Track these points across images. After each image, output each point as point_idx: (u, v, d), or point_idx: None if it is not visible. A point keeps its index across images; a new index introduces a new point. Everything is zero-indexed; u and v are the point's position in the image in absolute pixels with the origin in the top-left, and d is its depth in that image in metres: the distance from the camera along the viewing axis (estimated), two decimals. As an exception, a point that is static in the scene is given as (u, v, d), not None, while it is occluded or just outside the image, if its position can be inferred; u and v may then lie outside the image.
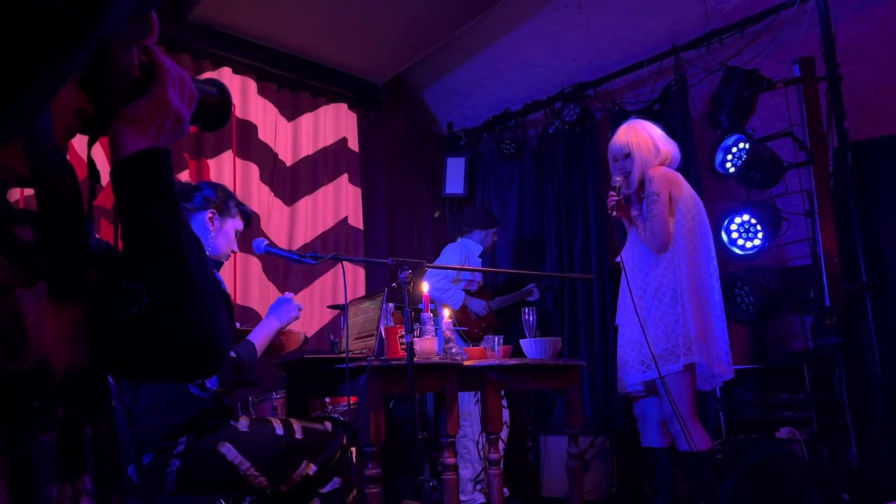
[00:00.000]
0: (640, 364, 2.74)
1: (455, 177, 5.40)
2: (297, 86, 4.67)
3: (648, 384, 2.82)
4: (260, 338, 2.22)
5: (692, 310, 2.67)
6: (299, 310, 2.35)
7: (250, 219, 2.34)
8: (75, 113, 0.77)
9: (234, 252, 2.31)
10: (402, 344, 2.50)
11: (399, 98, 5.35)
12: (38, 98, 0.56)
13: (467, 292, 4.41)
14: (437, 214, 5.45)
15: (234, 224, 2.26)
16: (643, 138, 2.88)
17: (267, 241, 2.46)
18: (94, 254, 0.74)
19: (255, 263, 4.18)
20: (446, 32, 4.50)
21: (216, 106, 0.90)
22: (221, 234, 2.22)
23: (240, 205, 2.29)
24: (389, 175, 5.24)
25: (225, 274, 3.98)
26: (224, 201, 2.23)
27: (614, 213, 2.84)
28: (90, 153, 0.80)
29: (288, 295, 2.36)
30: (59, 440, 0.66)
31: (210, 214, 2.20)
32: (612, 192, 2.85)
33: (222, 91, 0.90)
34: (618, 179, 2.88)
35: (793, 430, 3.45)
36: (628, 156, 2.89)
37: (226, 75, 4.24)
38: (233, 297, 4.03)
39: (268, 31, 4.28)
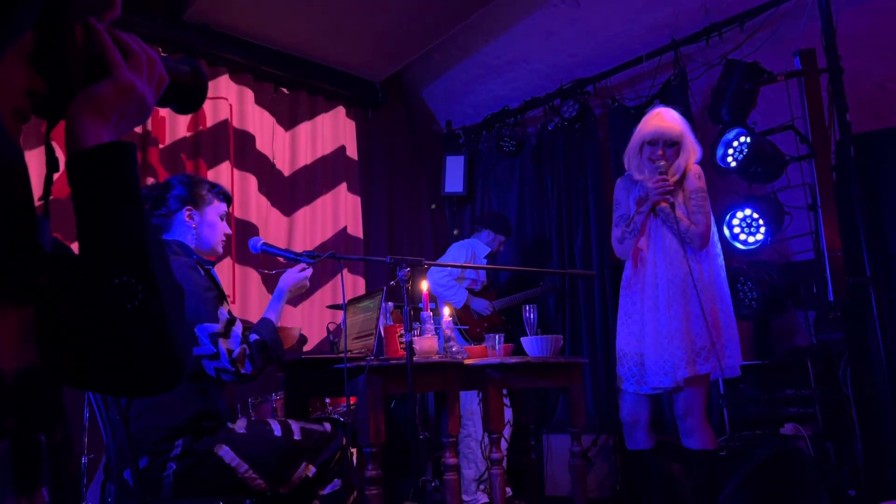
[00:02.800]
0: (663, 368, 2.64)
1: (454, 175, 5.38)
2: (294, 85, 4.64)
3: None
4: (275, 311, 2.22)
5: (724, 309, 2.73)
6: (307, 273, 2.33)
7: (230, 197, 2.30)
8: (26, 94, 0.69)
9: (227, 235, 2.27)
10: (401, 343, 2.47)
11: (397, 96, 5.31)
12: None
13: (470, 292, 4.38)
14: (433, 206, 5.42)
15: (216, 209, 2.21)
16: (689, 133, 2.76)
17: (263, 241, 2.42)
18: (45, 253, 0.67)
19: (253, 269, 4.15)
20: (444, 30, 4.48)
21: (190, 86, 0.83)
22: (204, 225, 2.18)
23: (213, 187, 2.24)
24: (388, 174, 5.21)
25: (224, 276, 3.96)
26: (197, 192, 2.18)
27: (667, 199, 2.65)
28: (48, 139, 0.72)
29: (298, 267, 2.32)
30: (14, 450, 0.61)
31: (187, 213, 2.16)
32: (663, 176, 2.65)
33: (196, 70, 0.83)
34: (663, 164, 2.67)
35: (798, 427, 3.42)
36: (676, 144, 2.70)
37: (222, 75, 4.21)
38: (231, 299, 4.00)
39: (264, 31, 4.25)
